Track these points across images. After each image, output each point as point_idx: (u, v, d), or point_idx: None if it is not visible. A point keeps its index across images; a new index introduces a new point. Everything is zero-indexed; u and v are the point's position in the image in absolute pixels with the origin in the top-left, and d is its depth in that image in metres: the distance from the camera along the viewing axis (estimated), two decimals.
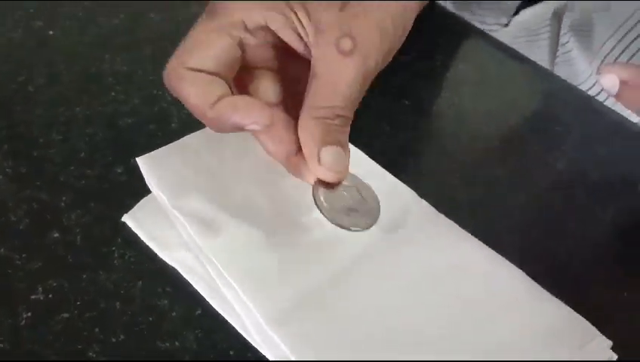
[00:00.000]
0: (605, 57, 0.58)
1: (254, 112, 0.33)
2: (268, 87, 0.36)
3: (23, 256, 0.37)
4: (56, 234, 0.38)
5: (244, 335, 0.33)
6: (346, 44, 0.32)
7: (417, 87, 0.45)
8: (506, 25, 0.67)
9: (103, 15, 0.50)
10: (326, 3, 0.33)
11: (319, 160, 0.33)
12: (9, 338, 0.34)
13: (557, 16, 0.65)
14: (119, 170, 0.41)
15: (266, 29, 0.34)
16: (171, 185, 0.38)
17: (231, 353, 0.33)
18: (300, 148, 0.34)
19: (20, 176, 0.40)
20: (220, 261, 0.35)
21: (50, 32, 0.49)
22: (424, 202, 0.38)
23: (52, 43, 0.48)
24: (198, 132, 0.40)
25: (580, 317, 0.33)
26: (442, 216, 0.37)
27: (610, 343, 0.32)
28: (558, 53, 0.64)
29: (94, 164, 0.41)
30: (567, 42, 0.64)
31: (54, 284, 0.36)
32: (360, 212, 0.34)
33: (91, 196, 0.39)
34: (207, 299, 0.35)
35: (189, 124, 0.43)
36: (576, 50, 0.63)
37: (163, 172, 0.38)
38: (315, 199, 0.33)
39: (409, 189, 0.38)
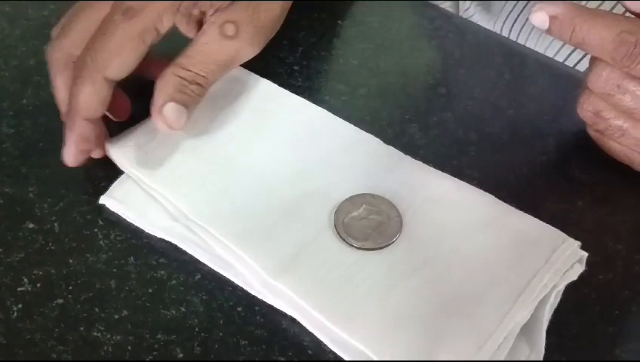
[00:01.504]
0: (506, 18, 0.63)
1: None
2: None
3: (0, 250, 0.36)
4: (31, 225, 0.37)
5: (249, 290, 0.34)
6: (230, 29, 0.37)
7: (359, 48, 0.47)
8: None
9: (31, 8, 0.48)
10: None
11: (161, 110, 0.37)
12: (3, 332, 0.33)
13: None
14: None
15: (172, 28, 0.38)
16: (143, 162, 0.38)
17: (239, 309, 0.34)
18: None
19: None
20: (213, 227, 0.35)
21: None
22: (391, 148, 0.40)
23: None
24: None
25: (547, 224, 0.36)
26: (406, 156, 0.40)
27: (579, 243, 0.35)
28: None
29: (56, 153, 0.40)
30: (468, 8, 0.69)
31: (40, 273, 0.35)
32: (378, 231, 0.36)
33: (60, 184, 0.38)
34: (205, 262, 0.35)
35: (148, 103, 0.43)
36: (478, 14, 0.67)
37: (132, 151, 0.38)
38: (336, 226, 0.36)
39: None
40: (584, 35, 0.36)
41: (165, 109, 0.36)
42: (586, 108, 0.38)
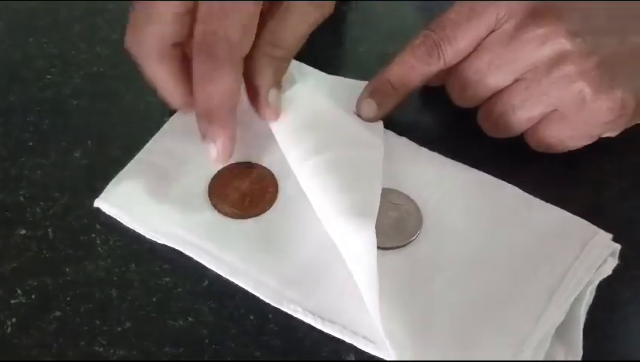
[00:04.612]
0: None
1: None
2: None
3: None
4: (23, 231, 0.34)
5: (260, 295, 0.32)
6: None
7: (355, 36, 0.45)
8: None
9: None
10: None
11: (268, 101, 0.34)
12: None
13: None
14: (77, 155, 0.37)
15: None
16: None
17: (251, 317, 0.31)
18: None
19: None
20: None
21: None
22: (403, 138, 0.38)
23: None
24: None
25: (577, 217, 0.34)
26: (422, 148, 0.38)
27: (610, 236, 0.33)
28: None
29: (48, 153, 0.37)
30: None
31: (35, 284, 0.32)
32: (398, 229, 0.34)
33: (53, 186, 0.36)
34: (213, 269, 0.32)
35: (142, 97, 0.40)
36: None
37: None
38: None
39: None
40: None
41: (270, 97, 0.34)
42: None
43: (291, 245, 0.33)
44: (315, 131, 0.35)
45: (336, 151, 0.34)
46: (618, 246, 0.33)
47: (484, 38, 0.35)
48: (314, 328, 0.31)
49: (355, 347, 0.30)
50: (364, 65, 0.43)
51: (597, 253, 0.32)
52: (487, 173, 0.36)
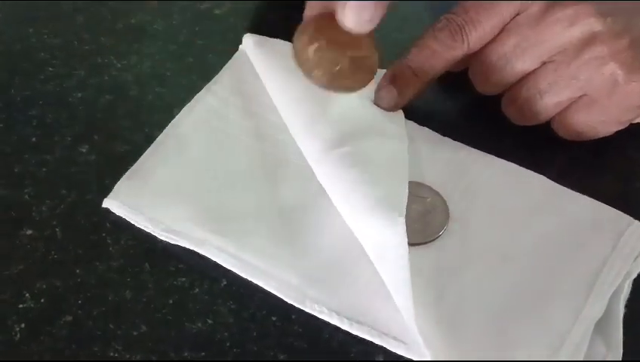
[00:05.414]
0: None
1: None
2: None
3: None
4: (29, 232, 0.32)
5: (282, 296, 0.30)
6: None
7: None
8: None
9: None
10: None
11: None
12: (5, 356, 0.28)
13: None
14: (83, 150, 0.36)
15: None
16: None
17: (273, 318, 0.30)
18: None
19: None
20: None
21: None
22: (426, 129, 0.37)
23: None
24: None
25: (611, 207, 0.33)
26: (445, 138, 0.36)
27: None
28: None
29: (53, 148, 0.36)
30: None
31: (44, 286, 0.31)
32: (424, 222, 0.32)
33: (60, 183, 0.34)
34: (230, 268, 0.31)
35: (150, 88, 0.38)
36: None
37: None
38: None
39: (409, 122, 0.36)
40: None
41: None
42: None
43: (313, 242, 0.32)
44: (334, 122, 0.34)
45: (358, 143, 0.33)
46: None
47: (509, 22, 0.34)
48: (340, 328, 0.29)
49: (384, 347, 0.29)
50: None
51: (633, 243, 0.31)
52: (511, 162, 0.35)
